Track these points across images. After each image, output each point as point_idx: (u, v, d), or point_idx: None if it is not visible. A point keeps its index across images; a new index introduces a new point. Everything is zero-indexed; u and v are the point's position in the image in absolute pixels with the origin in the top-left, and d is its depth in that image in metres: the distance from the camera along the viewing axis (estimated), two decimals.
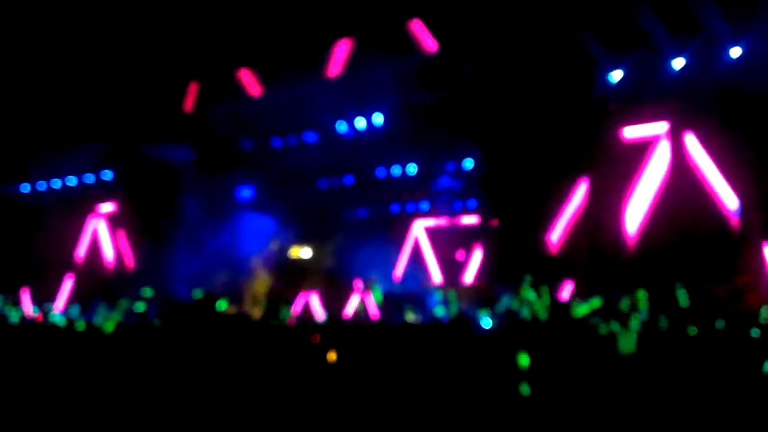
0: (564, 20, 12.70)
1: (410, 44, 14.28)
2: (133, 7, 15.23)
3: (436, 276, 16.16)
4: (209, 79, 17.12)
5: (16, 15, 15.37)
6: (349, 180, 17.61)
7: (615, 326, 7.70)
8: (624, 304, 10.81)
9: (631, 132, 13.02)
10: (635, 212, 12.79)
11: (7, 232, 20.23)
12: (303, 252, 18.28)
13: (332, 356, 5.41)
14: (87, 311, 16.01)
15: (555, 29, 12.89)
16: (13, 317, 12.14)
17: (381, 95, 15.14)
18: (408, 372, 5.02)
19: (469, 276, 15.11)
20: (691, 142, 12.41)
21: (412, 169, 16.27)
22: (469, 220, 15.62)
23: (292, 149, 17.59)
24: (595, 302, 9.65)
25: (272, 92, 16.41)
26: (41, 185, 20.93)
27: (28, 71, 16.52)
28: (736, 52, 11.59)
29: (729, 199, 11.94)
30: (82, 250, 20.23)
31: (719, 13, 11.28)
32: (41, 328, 10.53)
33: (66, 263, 20.02)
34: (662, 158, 12.75)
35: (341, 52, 15.11)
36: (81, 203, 20.36)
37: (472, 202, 15.65)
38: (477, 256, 15.10)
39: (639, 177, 12.90)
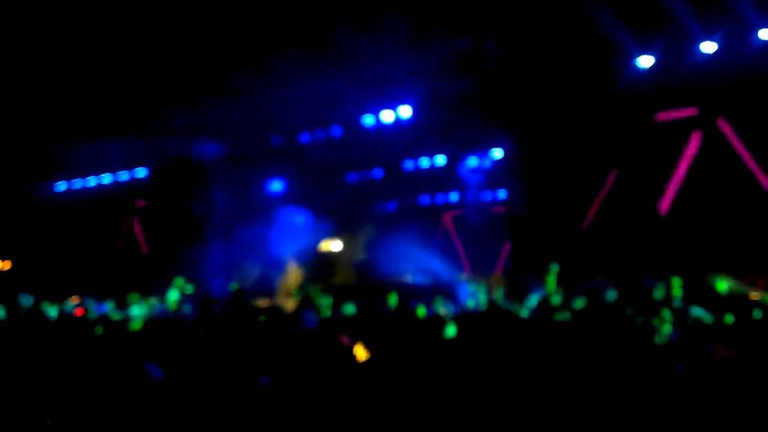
0: (591, 6, 12.54)
1: (437, 34, 14.23)
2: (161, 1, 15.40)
3: (466, 267, 16.16)
4: (236, 73, 17.23)
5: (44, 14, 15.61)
6: (378, 173, 17.67)
7: (646, 316, 7.65)
8: (658, 292, 10.71)
9: (663, 118, 12.86)
10: (669, 199, 12.66)
11: (43, 229, 20.65)
12: (333, 245, 18.39)
13: (361, 352, 5.47)
14: (122, 306, 16.30)
15: (582, 16, 12.75)
16: (52, 313, 12.36)
17: (408, 87, 15.12)
18: (443, 366, 5.06)
19: (499, 267, 15.10)
20: (724, 126, 12.23)
21: (441, 160, 16.26)
22: (499, 210, 15.59)
23: (319, 144, 17.71)
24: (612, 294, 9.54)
25: (298, 87, 16.47)
26: (76, 183, 21.35)
27: (54, 69, 16.76)
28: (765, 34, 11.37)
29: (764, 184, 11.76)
30: (117, 246, 20.62)
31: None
32: (81, 323, 10.74)
33: (101, 259, 20.42)
34: (695, 143, 12.60)
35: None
36: (115, 200, 20.74)
37: (502, 192, 15.60)
38: (507, 247, 15.07)
39: (673, 164, 12.76)
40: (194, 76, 16.44)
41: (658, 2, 11.77)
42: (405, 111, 15.56)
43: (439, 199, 17.49)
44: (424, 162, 16.53)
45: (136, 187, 20.48)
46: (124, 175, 20.58)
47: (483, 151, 15.47)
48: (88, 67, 16.40)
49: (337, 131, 17.03)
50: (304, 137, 17.58)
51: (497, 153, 15.20)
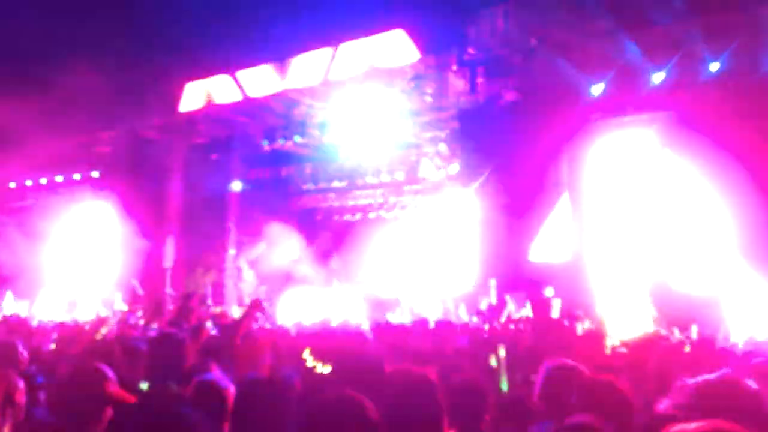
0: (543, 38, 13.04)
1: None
2: None
3: None
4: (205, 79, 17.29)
5: None
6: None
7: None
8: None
9: (610, 142, 13.39)
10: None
11: None
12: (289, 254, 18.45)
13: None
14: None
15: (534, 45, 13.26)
16: None
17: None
18: None
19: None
20: (671, 153, 12.76)
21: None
22: None
23: (280, 151, 17.84)
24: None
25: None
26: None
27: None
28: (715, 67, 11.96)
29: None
30: None
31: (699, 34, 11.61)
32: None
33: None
34: (644, 169, 13.09)
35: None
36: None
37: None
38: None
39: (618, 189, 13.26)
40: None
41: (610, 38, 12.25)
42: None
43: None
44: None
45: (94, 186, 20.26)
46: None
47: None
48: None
49: (299, 143, 17.14)
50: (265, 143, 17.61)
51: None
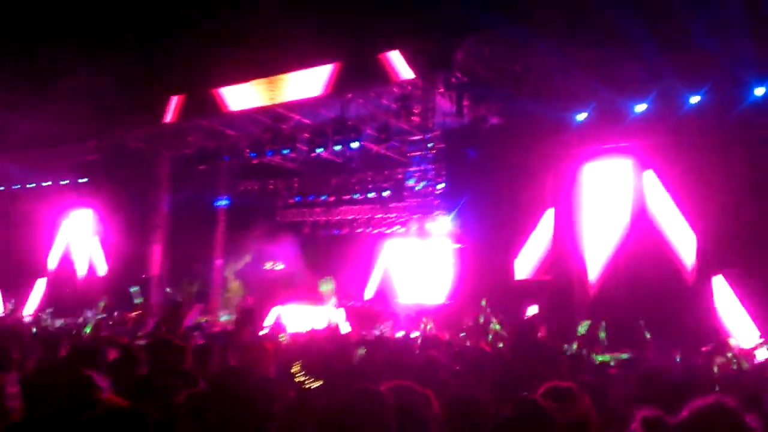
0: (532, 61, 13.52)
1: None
2: None
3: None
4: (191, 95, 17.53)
5: None
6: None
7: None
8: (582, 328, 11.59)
9: (594, 168, 13.93)
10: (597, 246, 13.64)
11: None
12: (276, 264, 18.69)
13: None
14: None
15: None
16: None
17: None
18: None
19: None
20: (651, 179, 13.32)
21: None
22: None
23: (268, 164, 18.08)
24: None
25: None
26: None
27: None
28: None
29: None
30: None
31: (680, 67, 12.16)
32: None
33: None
34: (624, 193, 13.65)
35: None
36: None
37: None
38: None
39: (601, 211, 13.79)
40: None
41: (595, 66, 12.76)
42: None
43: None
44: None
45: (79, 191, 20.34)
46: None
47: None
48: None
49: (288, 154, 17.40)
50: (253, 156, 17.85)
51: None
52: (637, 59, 11.84)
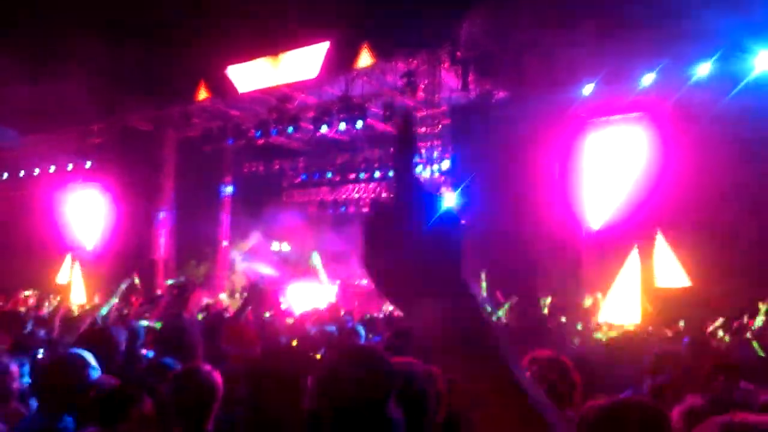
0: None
1: None
2: None
3: None
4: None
5: None
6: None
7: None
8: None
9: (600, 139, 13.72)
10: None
11: None
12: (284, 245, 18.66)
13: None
14: None
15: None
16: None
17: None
18: None
19: None
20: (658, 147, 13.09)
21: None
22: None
23: (273, 144, 17.96)
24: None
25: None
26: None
27: None
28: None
29: None
30: None
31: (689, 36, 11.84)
32: None
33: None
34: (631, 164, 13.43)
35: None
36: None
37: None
38: None
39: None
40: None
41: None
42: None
43: None
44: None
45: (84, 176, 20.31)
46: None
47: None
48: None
49: (296, 138, 17.28)
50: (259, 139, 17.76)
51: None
52: (645, 28, 11.54)
